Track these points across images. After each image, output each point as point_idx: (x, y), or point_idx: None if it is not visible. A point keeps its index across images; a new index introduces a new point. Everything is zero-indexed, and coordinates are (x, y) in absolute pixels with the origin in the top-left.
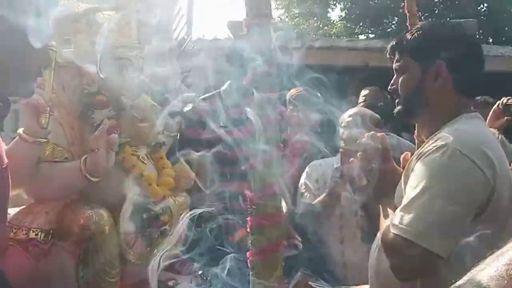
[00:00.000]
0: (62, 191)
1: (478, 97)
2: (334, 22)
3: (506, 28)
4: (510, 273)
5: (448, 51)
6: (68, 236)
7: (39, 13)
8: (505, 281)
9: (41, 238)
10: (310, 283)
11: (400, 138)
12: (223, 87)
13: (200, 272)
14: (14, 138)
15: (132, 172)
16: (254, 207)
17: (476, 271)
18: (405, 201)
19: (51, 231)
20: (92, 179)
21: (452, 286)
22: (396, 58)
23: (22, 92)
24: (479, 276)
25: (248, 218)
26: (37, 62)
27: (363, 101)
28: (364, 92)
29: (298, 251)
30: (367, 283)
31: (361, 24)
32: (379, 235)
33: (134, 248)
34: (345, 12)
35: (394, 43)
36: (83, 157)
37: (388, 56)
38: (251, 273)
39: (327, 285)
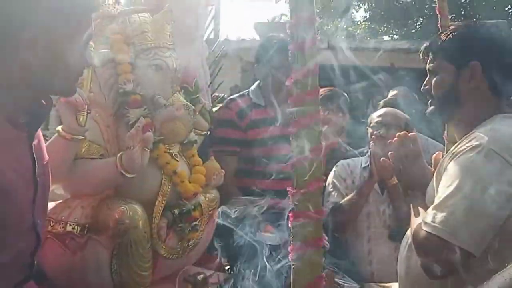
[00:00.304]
0: (98, 187)
1: None
2: (359, 22)
3: None
4: None
5: (482, 52)
6: (104, 230)
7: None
8: None
9: (78, 232)
10: (337, 280)
11: (428, 138)
12: (252, 87)
13: (228, 267)
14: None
15: (165, 169)
16: (296, 203)
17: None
18: (437, 200)
19: (87, 225)
20: (127, 175)
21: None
22: (430, 59)
23: (65, 91)
24: None
25: (289, 213)
26: (81, 61)
27: (390, 101)
28: (392, 92)
29: (325, 249)
30: (392, 281)
31: (385, 25)
32: (409, 233)
33: (166, 243)
34: (369, 13)
35: (428, 44)
36: (119, 154)
37: (421, 57)
38: (292, 266)
39: (353, 282)
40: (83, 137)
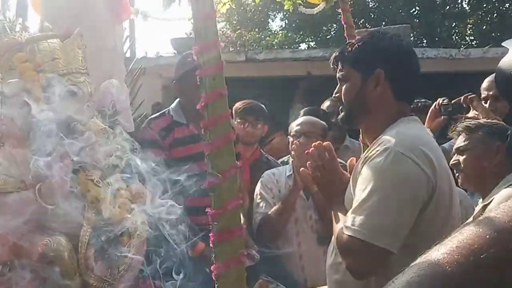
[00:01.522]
0: (18, 221)
1: (418, 101)
2: (275, 32)
3: (439, 29)
4: (459, 245)
5: (386, 61)
6: (27, 265)
7: None
8: (455, 251)
9: None
10: None
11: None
12: (173, 105)
13: None
14: None
15: (88, 197)
16: (215, 223)
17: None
18: (355, 204)
19: (9, 263)
20: (48, 207)
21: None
22: (339, 68)
23: None
24: (431, 255)
25: (210, 234)
26: None
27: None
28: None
29: (256, 260)
30: (325, 284)
31: (301, 33)
32: (333, 238)
33: (95, 272)
34: (285, 22)
35: (336, 54)
36: (37, 186)
37: (331, 65)
38: (216, 285)
39: None
40: None
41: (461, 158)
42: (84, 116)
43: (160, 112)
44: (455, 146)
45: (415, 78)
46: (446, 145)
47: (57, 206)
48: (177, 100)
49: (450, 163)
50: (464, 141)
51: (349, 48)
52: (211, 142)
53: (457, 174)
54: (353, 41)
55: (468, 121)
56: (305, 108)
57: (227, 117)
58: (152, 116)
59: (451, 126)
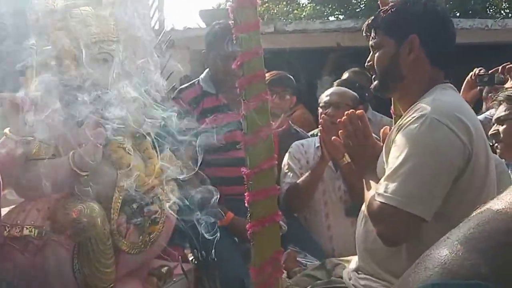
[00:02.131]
0: (52, 187)
1: None
2: (304, 5)
3: (472, 1)
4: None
5: (420, 26)
6: (62, 230)
7: (17, 11)
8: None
9: (35, 235)
10: (299, 259)
11: (383, 116)
12: (202, 75)
13: (192, 258)
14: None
15: (120, 164)
16: (250, 182)
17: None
18: (388, 171)
19: (44, 227)
20: (81, 173)
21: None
22: (372, 35)
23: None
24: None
25: (245, 193)
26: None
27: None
28: (345, 73)
29: (283, 231)
30: (354, 255)
31: (330, 5)
32: (364, 206)
33: (127, 238)
34: None
35: (369, 21)
36: (71, 153)
37: (364, 34)
38: (251, 243)
39: (315, 259)
40: (32, 138)
41: (501, 128)
42: (117, 84)
43: (190, 83)
44: (495, 116)
45: (451, 44)
46: (481, 117)
47: (90, 173)
48: (206, 70)
49: (489, 132)
50: (505, 110)
51: (383, 15)
52: (247, 101)
53: (496, 144)
54: (387, 7)
55: (510, 90)
56: (338, 80)
57: (263, 75)
58: (182, 86)
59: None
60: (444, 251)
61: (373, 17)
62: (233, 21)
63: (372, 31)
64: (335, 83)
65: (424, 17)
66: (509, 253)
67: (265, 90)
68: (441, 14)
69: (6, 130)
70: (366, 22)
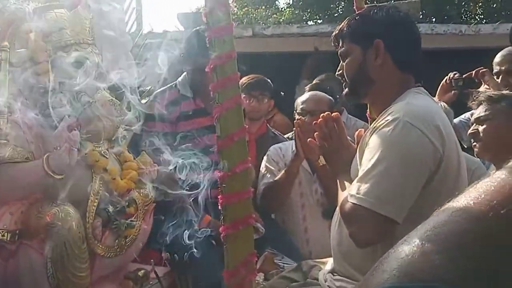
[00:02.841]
0: (26, 191)
1: None
2: (283, 9)
3: (448, 7)
4: (476, 201)
5: (383, 31)
6: (35, 234)
7: None
8: (472, 207)
9: (8, 239)
10: (276, 261)
11: (358, 119)
12: (179, 79)
13: (167, 261)
14: None
15: (95, 167)
16: (224, 185)
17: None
18: (361, 172)
19: (17, 231)
20: (56, 176)
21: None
22: (340, 45)
23: None
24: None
25: (219, 196)
26: None
27: (313, 85)
28: (316, 79)
29: (261, 234)
30: (330, 257)
31: (308, 10)
32: (338, 208)
33: (102, 242)
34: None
35: (336, 31)
36: (45, 156)
37: (333, 45)
38: (225, 246)
39: (292, 261)
40: (5, 141)
41: (481, 127)
42: (92, 87)
43: (167, 86)
44: (475, 116)
45: (416, 47)
46: (456, 120)
47: (65, 176)
48: (184, 74)
49: (469, 132)
50: (486, 111)
51: (348, 24)
52: (220, 104)
53: (474, 144)
54: (351, 16)
55: (490, 91)
56: (310, 84)
57: (236, 79)
58: (159, 90)
59: (467, 100)
60: (401, 253)
61: (339, 27)
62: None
63: (340, 40)
64: (306, 88)
65: (387, 22)
66: (464, 255)
67: (239, 93)
68: (403, 18)
69: None
70: (334, 33)
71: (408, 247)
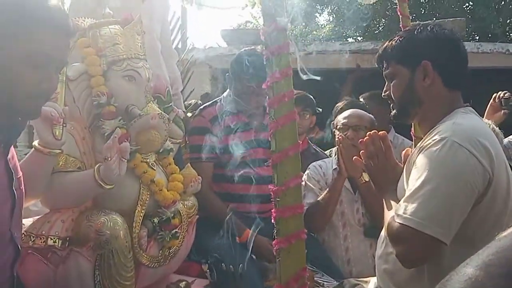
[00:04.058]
0: (77, 199)
1: None
2: (323, 26)
3: (492, 26)
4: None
5: (430, 51)
6: (85, 242)
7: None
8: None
9: (59, 245)
10: (316, 278)
11: (405, 138)
12: (224, 94)
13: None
14: (27, 152)
15: (143, 178)
16: (278, 199)
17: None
18: (408, 192)
19: (68, 238)
20: (106, 186)
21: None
22: (384, 66)
23: (27, 114)
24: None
25: (273, 210)
26: (47, 85)
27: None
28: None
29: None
30: (372, 277)
31: (349, 27)
32: (384, 227)
33: (147, 252)
34: (333, 16)
35: (380, 52)
36: (96, 166)
37: (377, 65)
38: (277, 260)
39: (333, 280)
40: (60, 151)
41: None
42: (142, 100)
43: (212, 101)
44: None
45: (464, 66)
46: (505, 140)
47: (114, 186)
48: (228, 91)
49: None
50: None
51: (391, 45)
52: (276, 120)
53: None
54: (394, 36)
55: None
56: (346, 101)
57: (292, 96)
58: (205, 105)
59: None
60: (463, 277)
61: (382, 48)
62: (258, 45)
63: (384, 62)
64: (341, 105)
65: (433, 42)
66: None
67: (293, 109)
68: (449, 37)
69: (35, 143)
70: (377, 55)
71: (471, 270)
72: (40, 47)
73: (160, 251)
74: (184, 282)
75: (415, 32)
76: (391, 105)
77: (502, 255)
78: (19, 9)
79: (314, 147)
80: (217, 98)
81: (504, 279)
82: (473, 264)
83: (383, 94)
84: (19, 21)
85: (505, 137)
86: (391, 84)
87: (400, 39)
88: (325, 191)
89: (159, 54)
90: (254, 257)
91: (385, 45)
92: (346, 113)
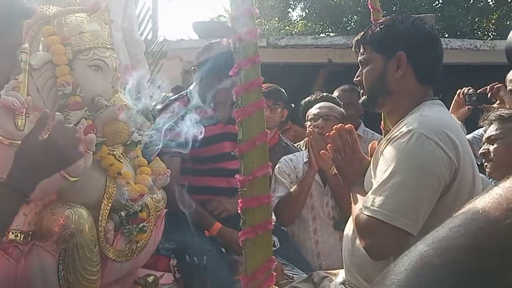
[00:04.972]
0: (40, 193)
1: None
2: (295, 21)
3: (461, 23)
4: (474, 217)
5: (407, 43)
6: (48, 236)
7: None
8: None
9: (21, 240)
10: (285, 271)
11: (375, 132)
12: (190, 87)
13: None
14: None
15: (110, 171)
16: (244, 189)
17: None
18: (375, 184)
19: (30, 232)
20: (71, 179)
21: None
22: (361, 51)
23: None
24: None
25: (239, 200)
26: (6, 69)
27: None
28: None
29: (276, 247)
30: (341, 269)
31: (321, 23)
32: (351, 220)
33: (114, 246)
34: (306, 12)
35: (359, 37)
36: None
37: (353, 50)
38: (244, 251)
39: (302, 272)
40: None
41: (492, 147)
42: (109, 91)
43: (178, 94)
44: (486, 135)
45: (438, 62)
46: (469, 136)
47: (80, 179)
48: (194, 84)
49: (479, 151)
50: (496, 130)
51: (372, 31)
52: (243, 109)
53: (485, 164)
54: (376, 23)
55: (501, 110)
56: (320, 95)
57: (260, 84)
58: (170, 98)
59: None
60: (399, 268)
61: (362, 33)
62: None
63: (361, 46)
64: (312, 97)
65: (412, 35)
66: (461, 270)
67: (261, 98)
68: (429, 32)
69: None
70: (356, 38)
71: (406, 262)
72: None
73: (127, 245)
74: (152, 277)
75: (396, 22)
76: (361, 91)
77: (438, 245)
78: None
79: (285, 140)
80: (183, 92)
81: (437, 271)
82: (410, 255)
83: (354, 79)
84: None
85: (469, 133)
86: (364, 70)
87: (381, 27)
88: (296, 185)
89: (118, 44)
90: (223, 250)
91: (365, 30)
92: (318, 104)
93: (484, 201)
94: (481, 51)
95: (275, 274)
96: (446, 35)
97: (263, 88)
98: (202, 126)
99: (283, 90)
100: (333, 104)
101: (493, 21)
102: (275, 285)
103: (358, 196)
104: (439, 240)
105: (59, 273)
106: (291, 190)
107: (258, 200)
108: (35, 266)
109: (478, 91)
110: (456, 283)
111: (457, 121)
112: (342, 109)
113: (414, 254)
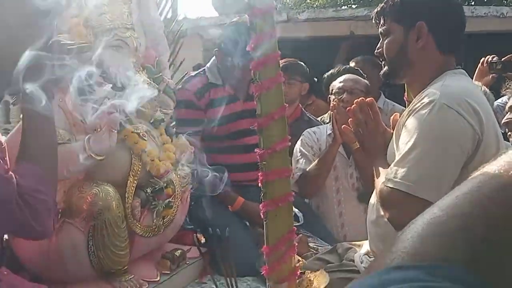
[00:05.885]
0: (68, 172)
1: None
2: None
3: None
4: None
5: (427, 13)
6: (77, 213)
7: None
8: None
9: None
10: (310, 243)
11: (395, 104)
12: (208, 65)
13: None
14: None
15: (134, 149)
16: (264, 163)
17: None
18: (398, 156)
19: (60, 210)
20: (97, 158)
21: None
22: (381, 23)
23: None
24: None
25: (259, 174)
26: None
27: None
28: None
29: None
30: (365, 240)
31: None
32: (375, 192)
33: (141, 221)
34: None
35: (378, 8)
36: (86, 137)
37: (374, 21)
38: (265, 223)
39: (326, 244)
40: None
41: None
42: (130, 70)
43: (196, 72)
44: (509, 104)
45: (460, 31)
46: (494, 104)
47: (105, 157)
48: (212, 59)
49: (503, 121)
50: None
51: (391, 1)
52: (260, 83)
53: (509, 133)
54: None
55: None
56: (342, 67)
57: (277, 58)
58: (189, 76)
59: (504, 84)
60: (407, 235)
61: (382, 4)
62: (247, 10)
63: (381, 18)
64: (336, 70)
65: (432, 4)
66: (466, 237)
67: (279, 72)
68: (450, 1)
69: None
70: (375, 10)
71: (414, 229)
72: None
73: (154, 221)
74: (179, 251)
75: None
76: (383, 63)
77: (444, 212)
78: None
79: (307, 114)
80: (201, 69)
81: (443, 237)
82: (417, 222)
83: (375, 51)
84: None
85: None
86: (385, 41)
87: None
88: (319, 157)
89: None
90: (247, 224)
91: (385, 1)
92: (342, 77)
93: (491, 168)
94: (508, 18)
95: (296, 244)
96: (472, 3)
97: (282, 62)
98: (221, 104)
99: (302, 64)
100: (357, 77)
101: None
102: (300, 257)
103: (381, 169)
104: (446, 207)
105: (89, 249)
106: (315, 163)
107: (278, 173)
108: (66, 242)
109: (503, 59)
110: (462, 248)
111: (486, 89)
112: (366, 81)
113: (420, 222)
